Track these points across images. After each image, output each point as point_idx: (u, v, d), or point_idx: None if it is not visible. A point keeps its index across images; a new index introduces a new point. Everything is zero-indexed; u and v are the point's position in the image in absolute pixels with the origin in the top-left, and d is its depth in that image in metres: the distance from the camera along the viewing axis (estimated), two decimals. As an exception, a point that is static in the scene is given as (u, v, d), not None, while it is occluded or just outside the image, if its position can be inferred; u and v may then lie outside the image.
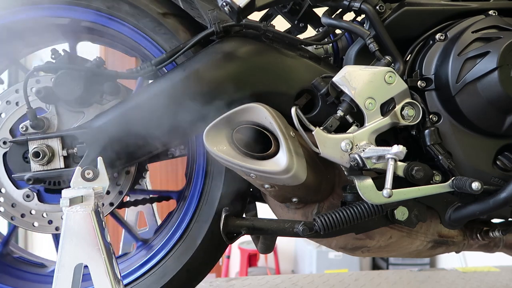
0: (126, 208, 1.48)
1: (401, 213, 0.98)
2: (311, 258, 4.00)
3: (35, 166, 1.02)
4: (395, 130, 1.01)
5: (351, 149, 0.93)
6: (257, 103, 0.96)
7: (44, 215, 1.08)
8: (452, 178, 0.94)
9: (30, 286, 1.17)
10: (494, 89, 0.91)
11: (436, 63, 0.99)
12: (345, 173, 0.96)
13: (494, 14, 1.01)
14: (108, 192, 1.11)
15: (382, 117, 0.96)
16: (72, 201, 0.89)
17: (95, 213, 0.90)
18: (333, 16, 1.09)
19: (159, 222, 1.49)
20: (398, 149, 0.86)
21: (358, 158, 0.91)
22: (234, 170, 0.98)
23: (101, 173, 0.95)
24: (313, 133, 0.94)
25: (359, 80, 0.95)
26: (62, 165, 1.02)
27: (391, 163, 0.87)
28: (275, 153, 0.94)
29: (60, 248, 0.88)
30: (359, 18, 1.11)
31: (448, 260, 3.73)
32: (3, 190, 1.07)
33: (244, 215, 1.18)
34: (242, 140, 0.96)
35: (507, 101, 0.92)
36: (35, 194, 1.08)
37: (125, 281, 1.12)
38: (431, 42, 1.02)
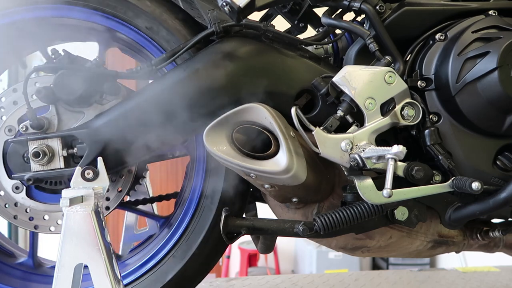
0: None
1: (401, 213, 0.98)
2: (311, 258, 4.00)
3: (35, 166, 1.02)
4: (395, 130, 1.01)
5: (351, 149, 0.93)
6: (257, 103, 0.96)
7: (28, 210, 1.08)
8: (452, 178, 0.94)
9: (29, 286, 1.17)
10: (494, 89, 0.91)
11: (436, 63, 0.99)
12: (345, 173, 0.96)
13: (494, 14, 1.01)
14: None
15: (382, 117, 0.96)
16: (72, 201, 0.89)
17: (95, 213, 0.91)
18: (333, 16, 1.09)
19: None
20: (398, 149, 0.86)
21: (358, 158, 0.91)
22: (234, 170, 0.98)
23: (101, 173, 0.95)
24: (313, 133, 0.94)
25: (359, 80, 0.95)
26: (62, 165, 1.02)
27: (391, 163, 0.87)
28: (275, 153, 0.94)
29: (60, 248, 0.88)
30: (359, 18, 1.11)
31: (448, 260, 3.73)
32: None
33: (244, 215, 1.18)
34: (242, 140, 0.96)
35: (507, 101, 0.92)
36: (24, 187, 1.07)
37: (125, 282, 1.13)
38: (431, 42, 1.02)
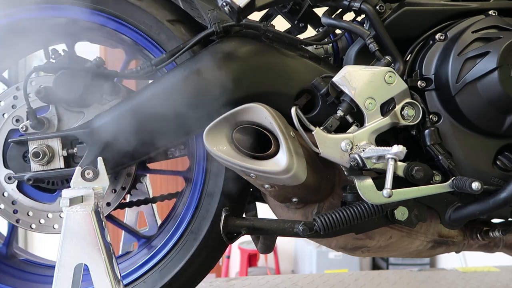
0: (127, 208, 1.48)
1: (401, 213, 0.98)
2: (311, 258, 4.00)
3: (35, 166, 1.02)
4: (395, 130, 1.01)
5: (351, 149, 0.93)
6: (257, 103, 0.96)
7: (14, 202, 1.08)
8: (452, 178, 0.94)
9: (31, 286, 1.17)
10: (494, 89, 0.91)
11: (436, 63, 0.99)
12: (345, 173, 0.96)
13: (494, 14, 1.01)
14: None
15: (382, 117, 0.96)
16: (72, 201, 0.89)
17: (95, 213, 0.91)
18: (333, 16, 1.09)
19: (159, 222, 1.50)
20: (398, 149, 0.86)
21: (358, 158, 0.91)
22: (234, 170, 0.98)
23: (101, 173, 0.95)
24: (313, 133, 0.94)
25: (359, 80, 0.95)
26: (62, 165, 1.02)
27: (391, 163, 0.87)
28: (275, 153, 0.94)
29: (60, 248, 0.88)
30: (359, 18, 1.11)
31: (448, 260, 3.73)
32: None
33: (244, 215, 1.18)
34: (242, 140, 0.96)
35: (507, 101, 0.92)
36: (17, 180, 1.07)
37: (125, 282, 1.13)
38: (431, 42, 1.02)
